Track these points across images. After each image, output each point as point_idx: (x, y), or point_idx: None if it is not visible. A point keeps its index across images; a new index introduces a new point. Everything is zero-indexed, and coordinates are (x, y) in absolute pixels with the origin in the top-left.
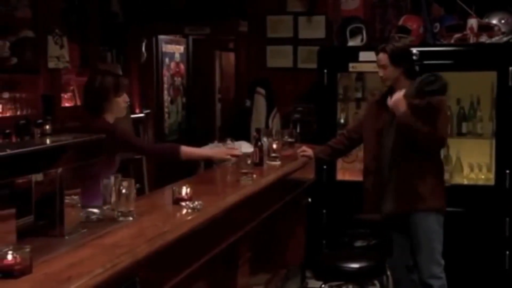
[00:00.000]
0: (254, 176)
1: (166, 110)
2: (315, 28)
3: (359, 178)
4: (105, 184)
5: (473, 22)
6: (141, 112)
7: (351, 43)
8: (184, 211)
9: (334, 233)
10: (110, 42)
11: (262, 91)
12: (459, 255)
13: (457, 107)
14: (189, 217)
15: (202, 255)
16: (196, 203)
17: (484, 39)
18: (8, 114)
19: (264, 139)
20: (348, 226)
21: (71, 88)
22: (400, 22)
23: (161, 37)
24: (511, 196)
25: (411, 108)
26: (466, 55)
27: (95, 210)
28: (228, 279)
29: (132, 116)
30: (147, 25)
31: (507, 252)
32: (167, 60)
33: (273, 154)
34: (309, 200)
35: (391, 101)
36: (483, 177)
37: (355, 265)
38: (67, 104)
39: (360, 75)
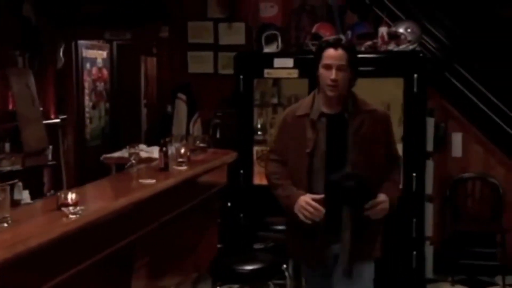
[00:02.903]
0: (154, 181)
1: (87, 115)
2: (235, 34)
3: None
4: None
5: (383, 30)
6: (56, 118)
7: (267, 49)
8: (62, 216)
9: (249, 236)
10: (24, 46)
11: (183, 96)
12: None
13: None
14: (64, 222)
15: (86, 258)
16: (78, 208)
17: (392, 47)
18: None
19: (175, 145)
20: (262, 229)
21: None
22: (313, 30)
23: (81, 42)
24: (417, 199)
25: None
26: (375, 62)
27: None
28: (123, 282)
29: (47, 121)
30: (64, 30)
31: (414, 252)
32: (88, 65)
33: (180, 159)
34: (229, 204)
35: (372, 212)
36: None
37: (248, 267)
38: None
39: (276, 81)
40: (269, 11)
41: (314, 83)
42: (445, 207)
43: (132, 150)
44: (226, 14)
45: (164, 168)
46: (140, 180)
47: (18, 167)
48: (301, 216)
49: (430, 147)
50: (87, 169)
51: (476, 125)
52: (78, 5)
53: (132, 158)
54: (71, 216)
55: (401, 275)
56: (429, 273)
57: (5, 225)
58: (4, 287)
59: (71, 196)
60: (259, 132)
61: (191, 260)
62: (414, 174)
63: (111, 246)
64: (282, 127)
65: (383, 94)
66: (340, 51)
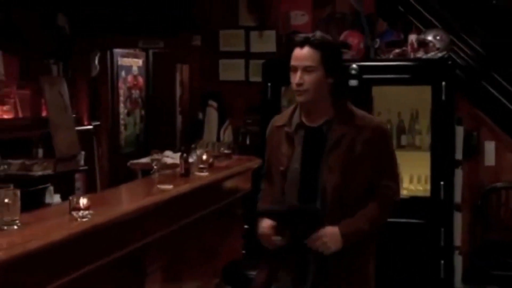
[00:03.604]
0: (171, 186)
1: (122, 122)
2: (266, 42)
3: None
4: None
5: (413, 37)
6: (89, 124)
7: None
8: (71, 220)
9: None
10: (57, 55)
11: (214, 103)
12: (396, 265)
13: (397, 120)
14: (69, 226)
15: (95, 260)
16: (87, 212)
17: (421, 54)
18: None
19: (198, 151)
20: None
21: (12, 100)
22: (342, 38)
23: (117, 50)
24: (445, 207)
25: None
26: (404, 70)
27: None
28: (136, 285)
29: (79, 128)
30: (98, 39)
31: (442, 262)
32: (123, 73)
33: (201, 165)
34: None
35: (314, 242)
36: (421, 188)
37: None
38: (5, 116)
39: None
40: (299, 19)
41: None
42: (476, 216)
43: (155, 157)
44: (257, 22)
45: (184, 174)
46: (158, 186)
47: (49, 172)
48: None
49: (459, 155)
50: (120, 175)
51: (510, 134)
52: (112, 15)
53: (154, 164)
54: (79, 220)
55: (429, 285)
56: (458, 283)
57: (15, 227)
58: (4, 287)
59: (83, 201)
60: None
61: (212, 265)
62: (442, 183)
63: (121, 250)
64: (266, 138)
65: (411, 101)
66: (307, 50)
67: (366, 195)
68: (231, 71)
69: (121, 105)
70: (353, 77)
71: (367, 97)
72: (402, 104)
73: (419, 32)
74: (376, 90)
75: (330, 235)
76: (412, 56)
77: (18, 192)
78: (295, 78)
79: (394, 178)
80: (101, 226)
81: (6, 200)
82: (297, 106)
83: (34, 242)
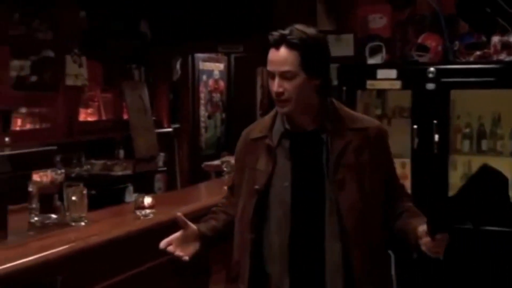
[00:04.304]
0: None
1: (202, 125)
2: (343, 46)
3: None
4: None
5: (496, 39)
6: (169, 127)
7: (371, 61)
8: (134, 218)
9: None
10: (138, 60)
11: None
12: (484, 275)
13: (477, 124)
14: (130, 224)
15: (153, 259)
16: (149, 211)
17: (503, 57)
18: (27, 127)
19: None
20: None
21: (96, 104)
22: (419, 40)
23: (198, 55)
24: None
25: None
26: (486, 73)
27: (53, 216)
28: (200, 285)
29: (159, 130)
30: (179, 44)
31: None
32: (204, 77)
33: None
34: None
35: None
36: None
37: None
38: (89, 119)
39: (381, 93)
40: (378, 22)
41: (418, 95)
42: None
43: (225, 158)
44: (335, 26)
45: None
46: (225, 187)
47: (129, 172)
48: None
49: None
50: (199, 176)
51: None
52: (192, 21)
53: (224, 166)
54: (142, 218)
55: None
56: None
57: (82, 223)
58: (66, 280)
59: (147, 200)
60: None
61: None
62: None
63: None
64: (236, 153)
65: (492, 105)
66: (283, 52)
67: (383, 210)
68: None
69: (202, 108)
70: (431, 80)
71: (445, 101)
72: (482, 107)
73: (502, 33)
74: (454, 94)
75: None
76: (494, 58)
77: (85, 191)
78: (273, 85)
79: (402, 187)
80: (163, 224)
81: (73, 198)
82: (276, 113)
83: (95, 238)
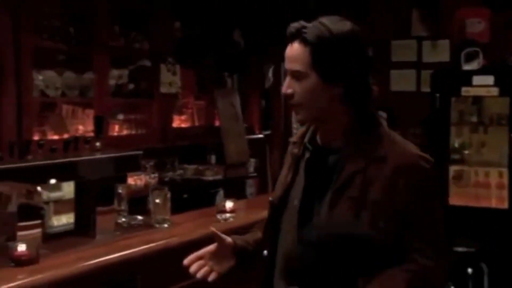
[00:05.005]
0: None
1: (294, 131)
2: (439, 52)
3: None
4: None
5: None
6: (260, 133)
7: (467, 67)
8: (214, 222)
9: None
10: (231, 68)
11: (384, 114)
12: None
13: None
14: (207, 226)
15: None
16: (229, 215)
17: None
18: (124, 133)
19: None
20: None
21: (190, 110)
22: None
23: None
24: None
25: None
26: None
27: (139, 217)
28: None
29: (250, 137)
30: (271, 52)
31: None
32: None
33: None
34: None
35: None
36: None
37: None
38: (182, 125)
39: (477, 100)
40: (476, 27)
41: None
42: None
43: None
44: (431, 32)
45: None
46: None
47: (219, 177)
48: None
49: None
50: None
51: None
52: (284, 29)
53: None
54: (221, 221)
55: None
56: None
57: (165, 225)
58: (145, 278)
59: (229, 204)
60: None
61: None
62: None
63: None
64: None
65: None
66: (295, 48)
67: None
68: (402, 81)
69: (294, 115)
70: None
71: None
72: None
73: None
74: None
75: None
76: None
77: (169, 194)
78: (284, 88)
79: (431, 241)
80: (239, 228)
81: (157, 201)
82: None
83: (175, 239)
